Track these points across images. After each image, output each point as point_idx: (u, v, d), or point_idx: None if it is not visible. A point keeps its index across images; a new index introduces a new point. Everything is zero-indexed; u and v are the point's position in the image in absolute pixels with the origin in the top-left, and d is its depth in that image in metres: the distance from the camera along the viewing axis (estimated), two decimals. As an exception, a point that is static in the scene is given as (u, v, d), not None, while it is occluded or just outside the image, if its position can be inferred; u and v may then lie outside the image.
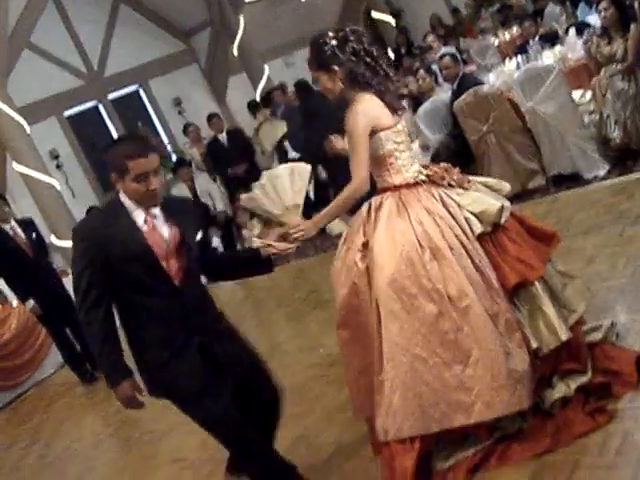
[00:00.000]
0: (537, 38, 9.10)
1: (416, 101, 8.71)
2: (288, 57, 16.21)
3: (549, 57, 7.82)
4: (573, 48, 7.84)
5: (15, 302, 8.57)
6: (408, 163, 3.52)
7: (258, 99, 13.00)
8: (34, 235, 7.74)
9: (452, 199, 3.43)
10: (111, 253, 3.27)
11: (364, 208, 3.55)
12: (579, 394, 3.39)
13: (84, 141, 12.89)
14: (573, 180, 6.73)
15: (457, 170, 3.60)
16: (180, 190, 10.71)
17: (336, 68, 3.47)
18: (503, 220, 3.39)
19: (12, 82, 11.07)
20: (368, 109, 3.43)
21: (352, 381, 3.60)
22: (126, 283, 3.34)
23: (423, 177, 3.52)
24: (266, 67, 14.01)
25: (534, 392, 3.34)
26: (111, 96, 13.53)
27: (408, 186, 3.48)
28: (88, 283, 3.27)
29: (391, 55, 15.23)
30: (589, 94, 7.01)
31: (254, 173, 11.24)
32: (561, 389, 3.39)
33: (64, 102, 12.76)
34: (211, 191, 11.20)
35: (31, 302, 7.64)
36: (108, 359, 3.33)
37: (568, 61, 7.63)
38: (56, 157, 12.24)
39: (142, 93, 14.00)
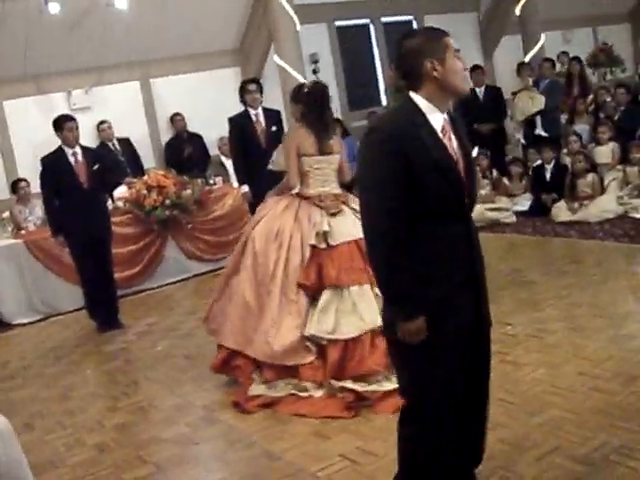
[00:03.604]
0: None
1: None
2: (567, 33, 15.54)
3: None
4: None
5: (235, 184, 8.90)
6: (317, 184, 5.13)
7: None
8: (274, 127, 7.91)
9: (315, 218, 4.98)
10: (418, 164, 2.66)
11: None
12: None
13: (346, 54, 13.03)
14: None
15: (343, 198, 5.11)
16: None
17: (300, 105, 5.19)
18: (323, 246, 4.86)
19: (298, -20, 11.24)
20: (296, 136, 5.17)
21: None
22: (422, 205, 2.72)
23: (317, 193, 5.09)
24: (543, 35, 13.42)
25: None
26: (385, 19, 13.51)
27: (300, 197, 5.15)
28: (393, 211, 2.65)
29: None
30: None
31: (499, 135, 10.94)
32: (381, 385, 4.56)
33: (338, 12, 12.86)
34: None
35: (245, 187, 7.86)
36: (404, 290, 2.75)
37: None
38: (315, 62, 12.39)
39: (415, 24, 13.86)
